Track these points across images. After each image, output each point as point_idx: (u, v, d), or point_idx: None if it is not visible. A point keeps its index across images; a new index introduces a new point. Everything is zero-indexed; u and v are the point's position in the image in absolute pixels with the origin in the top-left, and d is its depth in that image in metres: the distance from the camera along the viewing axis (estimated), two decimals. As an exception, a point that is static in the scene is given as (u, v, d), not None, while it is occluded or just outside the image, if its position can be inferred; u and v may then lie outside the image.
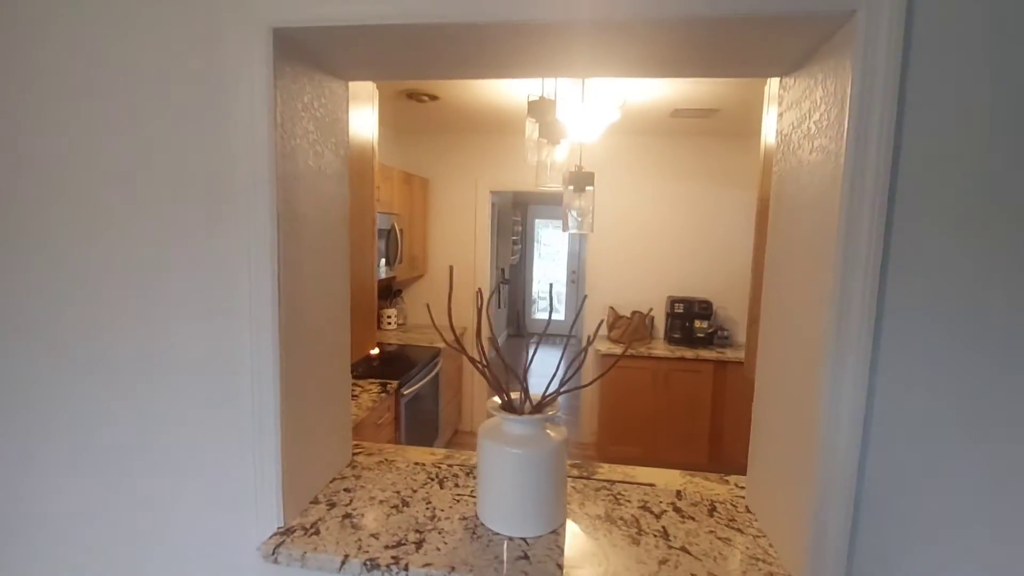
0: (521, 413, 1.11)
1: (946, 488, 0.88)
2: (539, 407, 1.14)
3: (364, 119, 1.62)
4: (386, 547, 1.03)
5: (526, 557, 1.01)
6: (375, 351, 3.58)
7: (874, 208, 0.84)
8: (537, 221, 8.66)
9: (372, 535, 1.07)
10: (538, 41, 1.00)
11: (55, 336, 1.15)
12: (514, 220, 7.97)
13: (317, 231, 1.19)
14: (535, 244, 8.75)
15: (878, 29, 0.81)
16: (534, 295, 8.80)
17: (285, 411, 1.07)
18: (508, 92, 3.08)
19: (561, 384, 1.13)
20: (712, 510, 1.21)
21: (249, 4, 0.99)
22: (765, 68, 1.09)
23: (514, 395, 1.16)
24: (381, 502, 1.19)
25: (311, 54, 1.10)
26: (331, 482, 1.28)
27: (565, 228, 2.05)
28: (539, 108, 1.60)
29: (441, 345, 3.87)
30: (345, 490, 1.25)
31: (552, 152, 1.61)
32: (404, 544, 1.04)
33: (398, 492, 1.24)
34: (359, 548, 1.02)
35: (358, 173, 1.57)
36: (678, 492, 1.28)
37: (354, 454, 1.43)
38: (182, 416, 1.12)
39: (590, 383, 1.32)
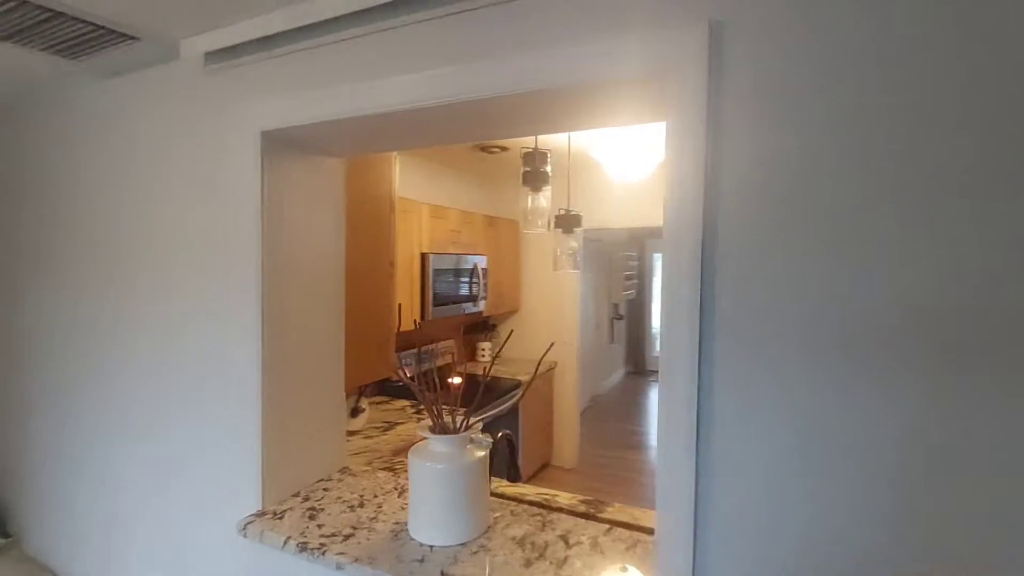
0: (442, 433, 1.27)
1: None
2: (459, 430, 1.28)
3: (382, 180, 1.95)
4: (322, 536, 1.25)
5: (421, 560, 1.15)
6: (457, 380, 3.90)
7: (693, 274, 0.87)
8: (655, 255, 8.46)
9: (319, 525, 1.30)
10: (463, 117, 1.21)
11: (129, 360, 1.63)
12: (628, 255, 7.91)
13: (306, 279, 1.51)
14: (653, 279, 8.52)
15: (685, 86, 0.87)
16: (653, 331, 8.52)
17: (266, 424, 1.38)
18: (564, 138, 3.27)
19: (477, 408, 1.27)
20: (634, 545, 1.21)
21: (246, 117, 1.36)
22: (638, 117, 1.15)
23: (454, 419, 1.32)
24: (344, 501, 1.43)
25: (300, 143, 1.45)
26: (318, 481, 1.56)
27: (555, 268, 2.14)
28: (529, 158, 1.77)
29: (523, 377, 4.06)
30: (324, 489, 1.51)
31: (537, 198, 1.76)
32: (336, 536, 1.25)
33: (361, 496, 1.46)
34: (301, 534, 1.26)
35: (374, 223, 1.89)
36: (615, 526, 1.29)
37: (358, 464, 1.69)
38: (194, 421, 1.50)
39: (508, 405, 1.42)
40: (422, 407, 3.23)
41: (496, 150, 3.61)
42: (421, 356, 3.88)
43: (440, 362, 4.16)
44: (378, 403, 3.31)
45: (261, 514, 1.37)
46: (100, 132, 1.75)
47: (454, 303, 3.78)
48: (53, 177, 1.90)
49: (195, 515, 1.58)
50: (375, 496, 1.46)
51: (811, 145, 0.79)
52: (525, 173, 1.76)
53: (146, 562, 1.72)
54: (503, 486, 1.69)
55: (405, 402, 3.28)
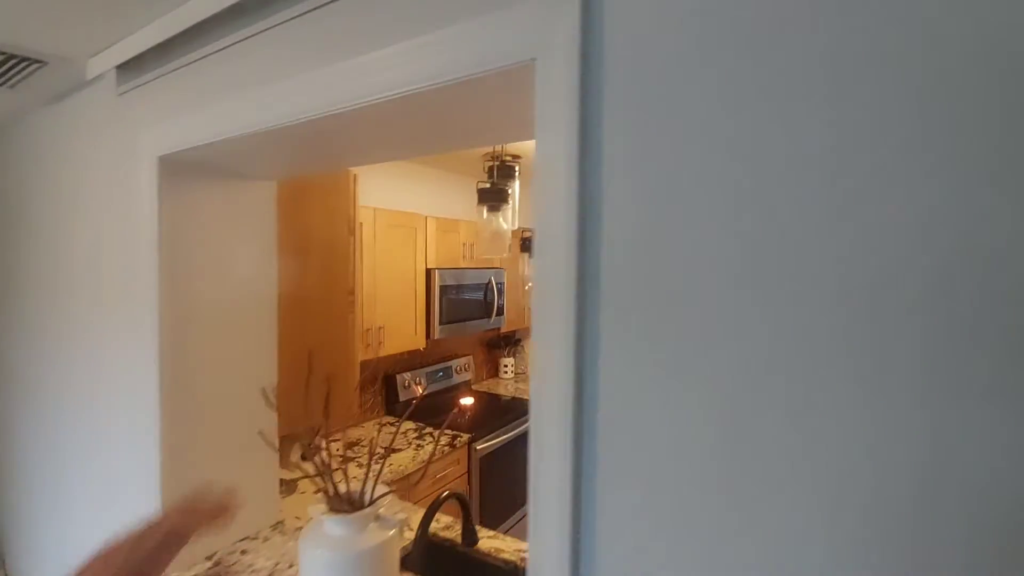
0: (336, 511, 1.07)
1: None
2: (362, 504, 1.08)
3: (338, 199, 1.79)
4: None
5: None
6: (469, 401, 3.70)
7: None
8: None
9: None
10: (340, 134, 1.01)
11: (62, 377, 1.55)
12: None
13: (222, 316, 1.36)
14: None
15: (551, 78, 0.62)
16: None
17: (166, 476, 1.24)
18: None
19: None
20: None
21: (144, 142, 1.23)
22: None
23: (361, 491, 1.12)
24: (255, 571, 1.26)
25: (206, 167, 1.30)
26: (240, 540, 1.40)
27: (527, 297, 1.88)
28: (490, 171, 1.54)
29: (540, 399, 3.80)
30: (242, 552, 1.35)
31: (494, 219, 1.52)
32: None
33: (276, 565, 1.29)
34: None
35: (328, 248, 1.73)
36: None
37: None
38: (111, 459, 1.39)
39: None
40: (427, 430, 3.06)
41: (509, 158, 3.40)
42: (434, 374, 3.73)
43: (458, 379, 3.99)
44: (386, 424, 3.18)
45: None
46: (37, 161, 1.69)
47: (468, 320, 3.59)
48: (14, 210, 1.88)
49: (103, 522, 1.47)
50: (291, 565, 1.28)
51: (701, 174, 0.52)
52: (481, 191, 1.53)
53: None
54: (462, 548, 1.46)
55: (411, 424, 3.12)
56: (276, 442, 1.51)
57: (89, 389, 1.53)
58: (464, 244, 3.48)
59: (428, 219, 3.13)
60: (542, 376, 0.64)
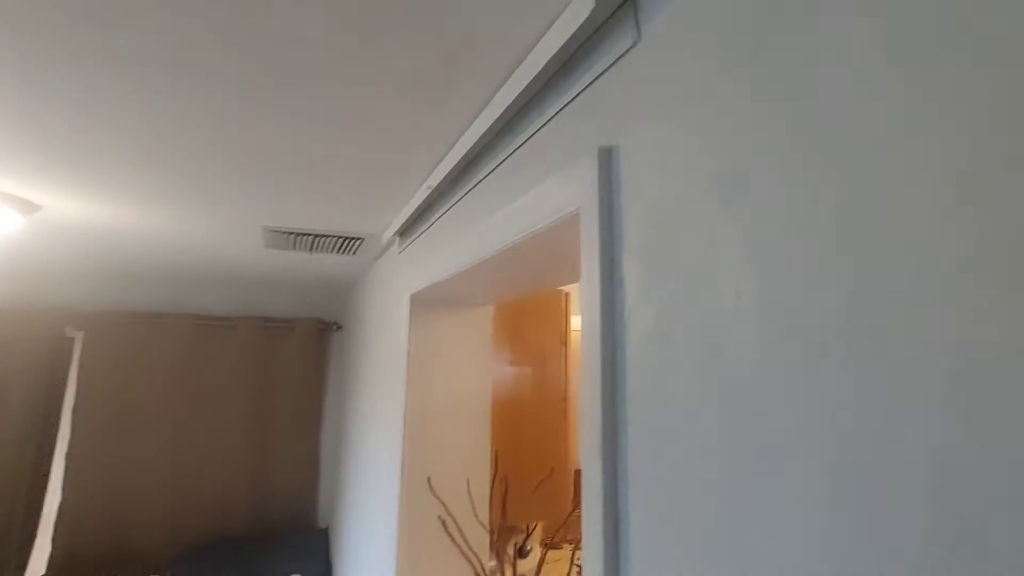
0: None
1: None
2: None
3: (551, 317, 2.03)
4: None
5: None
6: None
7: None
8: None
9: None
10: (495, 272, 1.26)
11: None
12: None
13: (450, 419, 1.69)
14: None
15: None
16: None
17: (401, 551, 1.56)
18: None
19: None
20: None
21: (404, 286, 1.74)
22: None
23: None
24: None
25: (441, 299, 1.72)
26: (450, 620, 1.59)
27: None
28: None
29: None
30: (448, 630, 1.53)
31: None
32: None
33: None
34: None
35: (541, 360, 1.97)
36: None
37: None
38: (371, 527, 1.79)
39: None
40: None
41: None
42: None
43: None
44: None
45: (384, 636, 1.50)
46: (370, 295, 2.49)
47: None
48: (363, 323, 2.78)
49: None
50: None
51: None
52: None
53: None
54: None
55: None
56: (488, 530, 1.71)
57: (372, 459, 2.06)
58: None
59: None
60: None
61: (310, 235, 1.92)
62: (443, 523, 1.64)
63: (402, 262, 1.87)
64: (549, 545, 1.89)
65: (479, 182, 1.21)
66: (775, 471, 0.43)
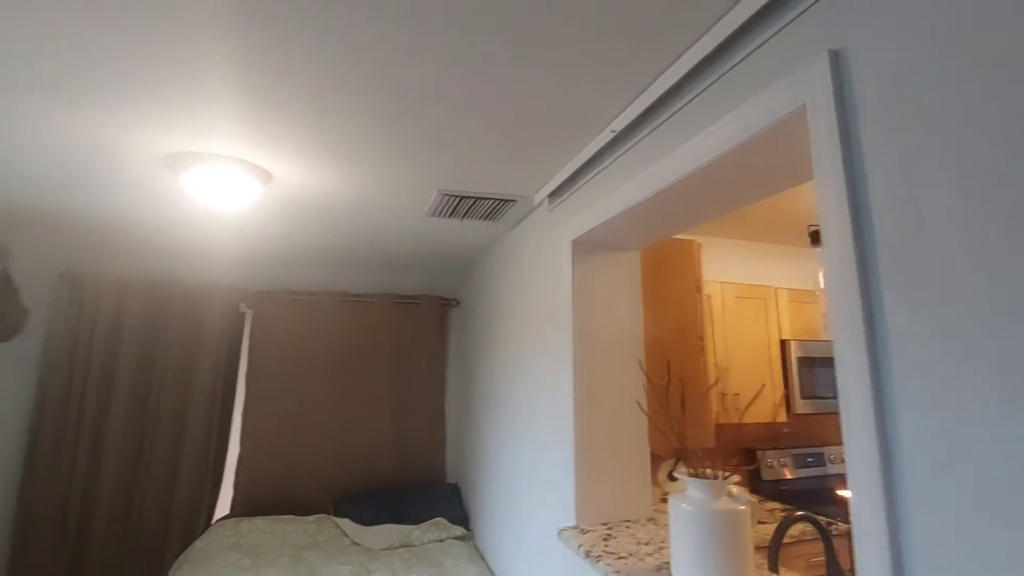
0: (695, 476, 1.36)
1: None
2: (715, 476, 1.34)
3: (685, 265, 2.21)
4: (605, 551, 1.50)
5: (668, 589, 1.24)
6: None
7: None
8: None
9: (607, 545, 1.56)
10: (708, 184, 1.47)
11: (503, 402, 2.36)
12: None
13: (608, 350, 1.91)
14: None
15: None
16: None
17: (578, 464, 1.78)
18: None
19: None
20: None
21: (562, 230, 1.99)
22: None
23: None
24: (635, 538, 1.63)
25: (598, 244, 1.95)
26: (623, 521, 1.80)
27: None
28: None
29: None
30: (626, 526, 1.74)
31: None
32: (614, 555, 1.48)
33: (651, 539, 1.62)
34: (592, 546, 1.55)
35: (678, 303, 2.15)
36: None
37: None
38: (530, 449, 2.03)
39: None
40: (795, 512, 2.86)
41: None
42: (802, 458, 3.46)
43: (833, 469, 3.55)
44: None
45: (574, 527, 1.73)
46: (504, 263, 2.76)
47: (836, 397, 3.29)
48: (489, 296, 3.06)
49: (531, 520, 2.07)
50: (664, 543, 1.59)
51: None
52: (813, 232, 1.67)
53: (505, 543, 2.31)
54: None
55: (776, 505, 2.98)
56: (647, 452, 1.91)
57: (529, 407, 2.31)
58: (824, 315, 3.32)
59: (779, 290, 3.19)
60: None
61: (473, 198, 2.21)
62: (612, 443, 1.85)
63: (557, 217, 2.12)
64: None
65: (663, 122, 1.42)
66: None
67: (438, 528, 3.02)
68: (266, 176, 1.97)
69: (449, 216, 2.45)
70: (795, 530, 2.56)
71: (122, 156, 1.82)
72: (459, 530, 3.05)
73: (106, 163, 1.88)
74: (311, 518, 3.03)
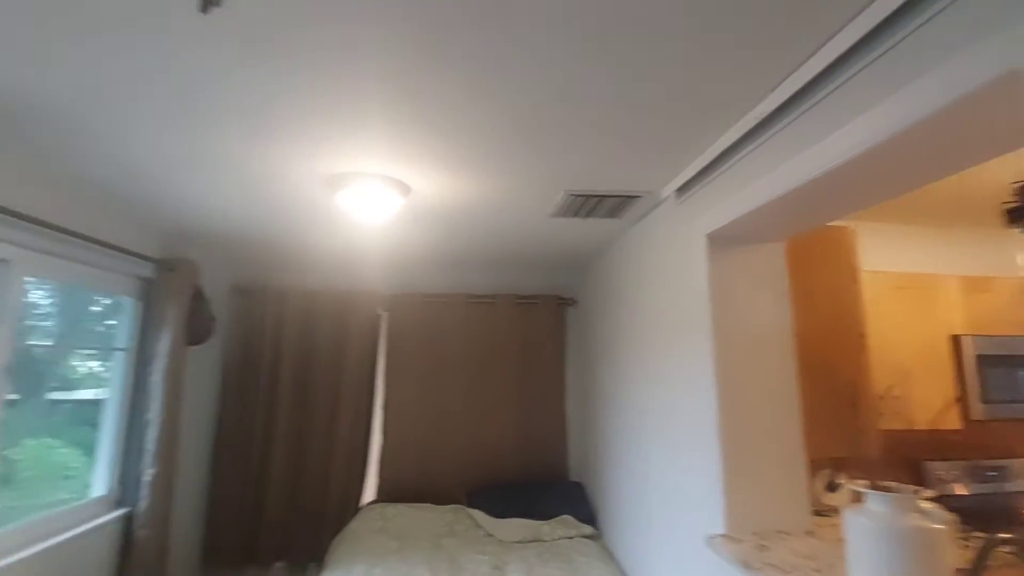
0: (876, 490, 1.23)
1: None
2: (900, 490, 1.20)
3: (839, 255, 2.01)
4: (764, 563, 1.42)
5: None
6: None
7: None
8: None
9: (764, 557, 1.47)
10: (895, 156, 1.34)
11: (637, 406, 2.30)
12: None
13: (752, 350, 1.80)
14: None
15: None
16: None
17: (726, 470, 1.70)
18: None
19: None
20: None
21: (694, 224, 1.91)
22: None
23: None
24: (794, 551, 1.52)
25: (738, 237, 1.84)
26: (777, 532, 1.68)
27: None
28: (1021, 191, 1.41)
29: None
30: (781, 537, 1.63)
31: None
32: (776, 568, 1.39)
33: (814, 553, 1.50)
34: (749, 556, 1.47)
35: (831, 296, 1.96)
36: None
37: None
38: (666, 455, 1.97)
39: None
40: (973, 533, 2.48)
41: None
42: (979, 472, 2.99)
43: (1015, 486, 3.02)
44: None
45: (723, 536, 1.65)
46: (624, 260, 2.71)
47: (1026, 402, 2.82)
48: (609, 294, 3.03)
49: (670, 525, 2.00)
50: (832, 560, 1.46)
51: None
52: (1011, 210, 1.43)
53: (639, 546, 2.25)
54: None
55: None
56: (802, 460, 1.77)
57: (661, 409, 2.25)
58: (1005, 306, 2.84)
59: (948, 278, 2.79)
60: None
61: (598, 196, 2.20)
62: (761, 449, 1.74)
63: (687, 211, 2.04)
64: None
65: (818, 101, 1.31)
66: None
67: (566, 525, 3.05)
68: (405, 189, 2.13)
69: (573, 216, 2.47)
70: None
71: (289, 180, 2.07)
72: (588, 528, 3.06)
73: (275, 188, 2.15)
74: (447, 508, 3.21)
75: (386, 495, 3.37)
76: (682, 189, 2.05)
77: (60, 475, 2.67)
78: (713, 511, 1.74)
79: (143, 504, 2.62)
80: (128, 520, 2.64)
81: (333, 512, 3.29)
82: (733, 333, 1.80)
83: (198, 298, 2.99)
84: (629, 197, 2.24)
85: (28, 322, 2.42)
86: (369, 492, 3.46)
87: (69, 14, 1.14)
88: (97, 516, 2.49)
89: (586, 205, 2.32)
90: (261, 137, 1.71)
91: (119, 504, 2.67)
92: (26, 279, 2.13)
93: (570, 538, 2.97)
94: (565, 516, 3.13)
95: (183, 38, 1.21)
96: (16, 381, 2.20)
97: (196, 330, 2.97)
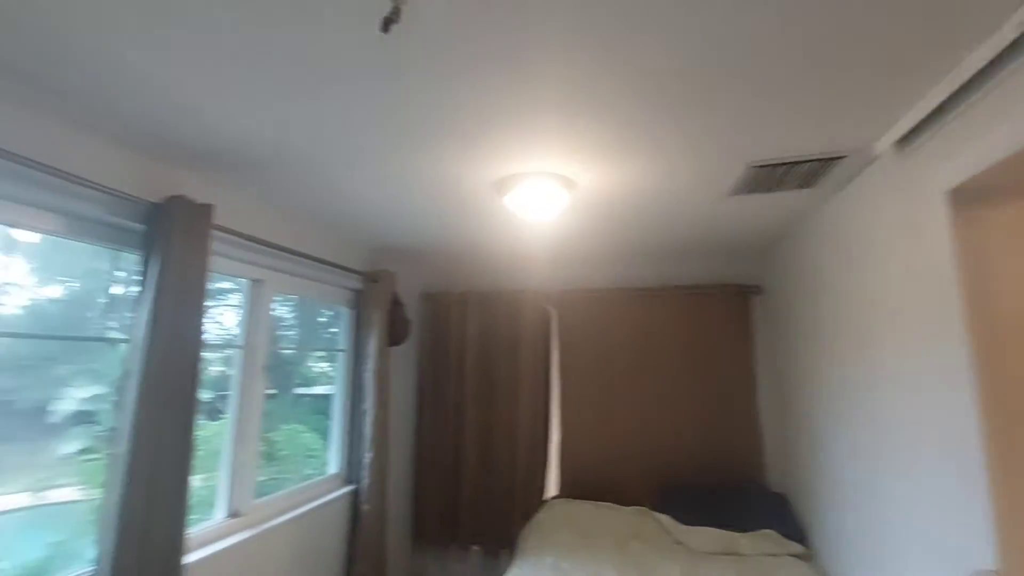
0: None
1: None
2: None
3: None
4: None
5: None
6: None
7: None
8: None
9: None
10: None
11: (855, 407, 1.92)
12: None
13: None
14: None
15: None
16: None
17: (996, 490, 1.33)
18: None
19: None
20: None
21: (927, 180, 1.54)
22: None
23: None
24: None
25: (992, 190, 1.44)
26: None
27: None
28: None
29: None
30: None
31: None
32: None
33: None
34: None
35: None
36: None
37: None
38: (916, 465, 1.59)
39: None
40: None
41: None
42: None
43: None
44: None
45: (994, 572, 1.29)
46: (824, 237, 2.31)
47: None
48: (805, 280, 2.62)
49: (912, 552, 1.61)
50: None
51: None
52: None
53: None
54: None
55: None
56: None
57: (891, 414, 1.86)
58: None
59: None
60: None
61: (788, 164, 1.93)
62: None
63: (914, 165, 1.66)
64: None
65: None
66: None
67: (770, 541, 2.72)
68: (571, 184, 2.12)
69: (754, 191, 2.20)
70: None
71: (463, 188, 2.22)
72: (796, 547, 2.68)
73: (451, 196, 2.33)
74: (630, 509, 3.12)
75: (568, 490, 3.41)
76: (904, 140, 1.67)
77: (305, 454, 3.27)
78: (973, 539, 1.37)
79: (365, 482, 3.05)
80: (355, 495, 3.11)
81: (519, 503, 3.43)
82: (995, 316, 1.40)
83: (396, 304, 3.40)
84: (827, 160, 1.91)
85: (277, 332, 3.02)
86: (551, 486, 3.53)
87: (306, 85, 1.37)
88: (333, 490, 2.98)
89: (772, 176, 2.04)
90: (442, 149, 1.85)
91: (347, 481, 3.16)
92: (274, 296, 2.65)
93: (775, 556, 2.64)
94: (767, 531, 2.79)
95: (376, 68, 1.36)
96: (273, 379, 2.76)
97: (396, 332, 3.38)
